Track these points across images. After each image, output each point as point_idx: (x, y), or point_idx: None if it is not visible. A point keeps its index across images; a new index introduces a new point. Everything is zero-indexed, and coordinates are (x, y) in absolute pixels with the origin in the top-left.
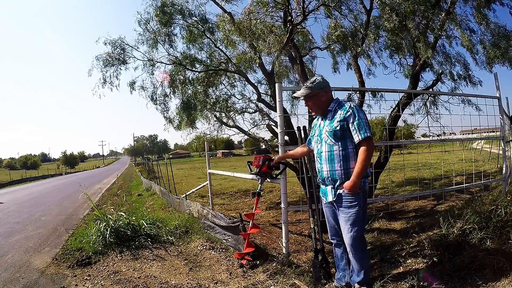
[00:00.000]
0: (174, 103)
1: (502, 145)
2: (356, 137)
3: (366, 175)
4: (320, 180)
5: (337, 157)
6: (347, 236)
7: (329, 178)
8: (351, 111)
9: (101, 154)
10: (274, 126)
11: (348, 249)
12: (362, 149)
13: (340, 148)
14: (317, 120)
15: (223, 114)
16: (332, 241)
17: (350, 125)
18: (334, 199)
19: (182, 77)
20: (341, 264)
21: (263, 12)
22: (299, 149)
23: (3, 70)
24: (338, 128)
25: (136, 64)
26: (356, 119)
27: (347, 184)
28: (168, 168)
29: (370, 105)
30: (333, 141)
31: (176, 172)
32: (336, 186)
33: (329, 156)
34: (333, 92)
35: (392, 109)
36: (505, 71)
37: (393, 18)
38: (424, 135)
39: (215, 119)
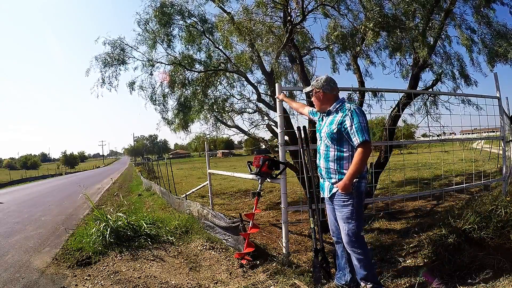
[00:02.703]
0: (171, 103)
1: (502, 145)
2: (356, 141)
3: (362, 176)
4: (318, 173)
5: (332, 158)
6: (343, 234)
7: (325, 175)
8: (350, 114)
9: (101, 154)
10: (274, 126)
11: (345, 246)
12: (358, 152)
13: (336, 150)
14: (322, 115)
15: (222, 114)
16: (333, 237)
17: (348, 128)
18: (329, 196)
19: (181, 77)
20: (341, 263)
21: (262, 12)
22: (301, 106)
23: (3, 70)
24: (335, 131)
25: (136, 64)
26: (355, 122)
27: (339, 184)
28: (168, 168)
29: (371, 105)
30: (330, 142)
31: (176, 172)
32: (331, 183)
33: (325, 155)
34: None
35: (392, 109)
36: (505, 71)
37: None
38: (424, 135)
39: (214, 119)
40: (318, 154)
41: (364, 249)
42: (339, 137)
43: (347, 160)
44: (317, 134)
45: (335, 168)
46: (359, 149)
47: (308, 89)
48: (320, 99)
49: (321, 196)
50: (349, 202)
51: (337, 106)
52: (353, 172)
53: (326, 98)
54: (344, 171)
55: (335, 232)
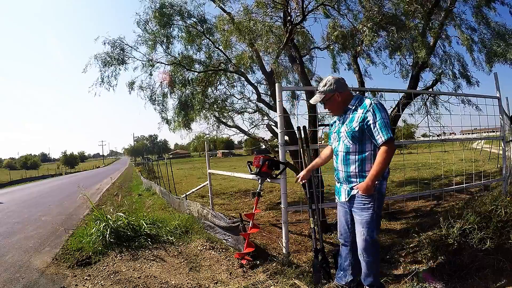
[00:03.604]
0: (171, 103)
1: (502, 145)
2: (380, 139)
3: (383, 177)
4: (335, 178)
5: (353, 159)
6: (359, 239)
7: (344, 179)
8: (371, 110)
9: (101, 154)
10: (274, 126)
11: (359, 252)
12: (382, 150)
13: (357, 150)
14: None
15: (223, 114)
16: (339, 239)
17: (371, 125)
18: (347, 199)
19: (181, 77)
20: (343, 264)
21: (262, 12)
22: (323, 154)
23: (4, 70)
24: (357, 129)
25: (136, 64)
26: (378, 118)
27: (361, 185)
28: (168, 168)
29: None
30: (351, 142)
31: (176, 172)
32: (350, 186)
33: (345, 156)
34: None
35: (392, 109)
36: (504, 71)
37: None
38: (424, 135)
39: (214, 119)
40: (335, 156)
41: (377, 255)
42: (361, 136)
43: (369, 161)
44: (334, 135)
45: (357, 171)
46: (384, 148)
47: (318, 97)
48: (338, 101)
49: (337, 201)
50: (370, 205)
51: (355, 102)
52: (377, 173)
53: (344, 98)
54: (366, 173)
55: (343, 234)
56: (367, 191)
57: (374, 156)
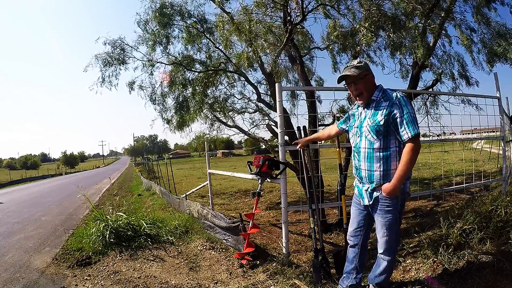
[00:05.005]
0: (170, 104)
1: (502, 145)
2: (405, 135)
3: (408, 176)
4: (357, 178)
5: (378, 156)
6: (382, 240)
7: (367, 178)
8: (398, 102)
9: (101, 154)
10: (274, 126)
11: (379, 251)
12: (408, 148)
13: (382, 147)
14: (357, 108)
15: (222, 114)
16: (348, 241)
17: (397, 119)
18: (370, 202)
19: (181, 77)
20: (349, 267)
21: (262, 12)
22: (326, 131)
23: (4, 70)
24: (382, 122)
25: (136, 64)
26: (405, 112)
27: (387, 187)
28: (168, 168)
29: None
30: (375, 137)
31: (176, 172)
32: (373, 187)
33: (368, 154)
34: (333, 92)
35: None
36: (505, 71)
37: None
38: (424, 135)
39: (214, 119)
40: (356, 153)
41: (395, 255)
42: (386, 130)
43: (395, 158)
44: (353, 130)
45: (381, 169)
46: (410, 145)
47: (356, 71)
48: (372, 82)
49: (363, 204)
50: (394, 207)
51: (379, 94)
52: (404, 173)
53: (372, 84)
54: (391, 172)
55: (354, 236)
56: (394, 192)
57: (399, 153)
